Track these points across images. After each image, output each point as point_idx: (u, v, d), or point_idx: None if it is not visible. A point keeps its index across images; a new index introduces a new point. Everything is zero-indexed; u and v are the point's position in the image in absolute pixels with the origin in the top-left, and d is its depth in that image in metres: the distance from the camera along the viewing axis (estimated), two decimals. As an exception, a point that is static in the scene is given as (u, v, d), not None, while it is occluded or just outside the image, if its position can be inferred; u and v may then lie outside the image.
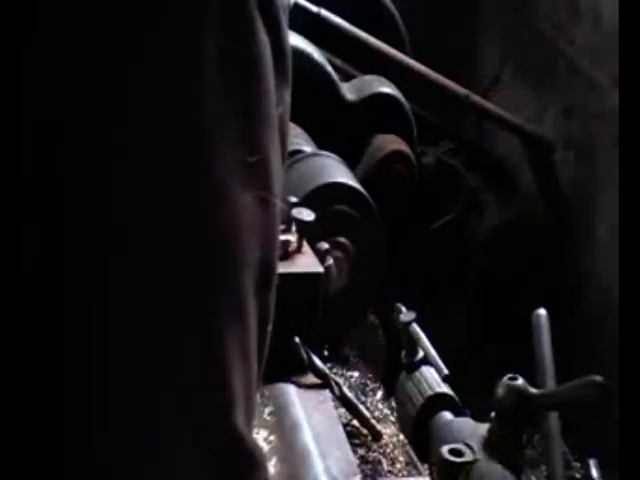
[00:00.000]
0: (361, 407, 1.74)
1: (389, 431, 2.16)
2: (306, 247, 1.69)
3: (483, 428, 1.44)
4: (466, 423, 1.52)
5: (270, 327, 0.61)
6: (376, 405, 2.35)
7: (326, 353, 1.72)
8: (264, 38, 0.57)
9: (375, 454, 2.11)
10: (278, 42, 0.59)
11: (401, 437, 2.09)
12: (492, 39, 3.54)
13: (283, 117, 0.61)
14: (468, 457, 1.37)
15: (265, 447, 1.47)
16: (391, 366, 2.19)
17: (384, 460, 2.11)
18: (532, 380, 1.50)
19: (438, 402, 1.59)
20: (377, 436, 1.86)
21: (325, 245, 1.78)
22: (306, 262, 1.66)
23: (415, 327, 1.68)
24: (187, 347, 0.53)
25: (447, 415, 1.57)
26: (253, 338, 0.58)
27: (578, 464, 2.48)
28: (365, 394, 2.40)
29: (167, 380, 0.53)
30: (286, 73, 0.61)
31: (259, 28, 0.56)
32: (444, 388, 1.61)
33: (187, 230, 0.53)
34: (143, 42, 0.51)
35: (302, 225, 1.69)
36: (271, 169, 0.58)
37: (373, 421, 1.79)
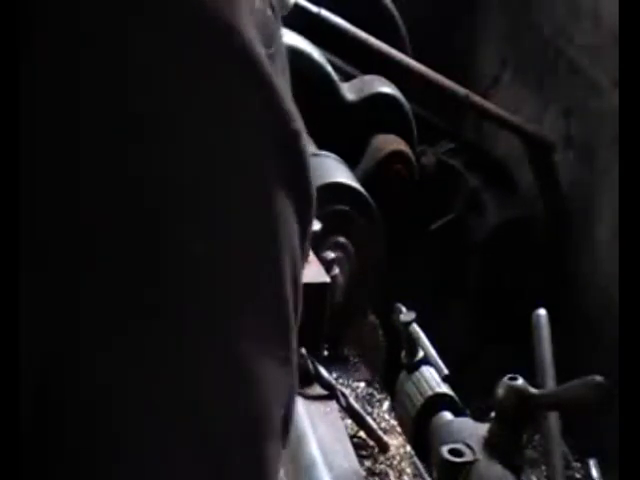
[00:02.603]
0: (368, 418, 1.74)
1: (396, 442, 2.15)
2: (312, 257, 1.69)
3: (483, 428, 1.44)
4: (466, 423, 1.52)
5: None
6: (383, 416, 2.35)
7: (326, 353, 1.72)
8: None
9: (382, 466, 2.11)
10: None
11: (408, 449, 2.09)
12: (492, 39, 3.54)
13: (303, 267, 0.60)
14: (468, 457, 1.37)
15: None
16: (391, 366, 2.19)
17: (391, 472, 2.11)
18: (532, 380, 1.50)
19: (438, 402, 1.59)
20: (384, 448, 1.86)
21: (331, 254, 1.78)
22: (312, 272, 1.66)
23: (415, 327, 1.68)
24: None
25: (447, 415, 1.57)
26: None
27: (578, 464, 2.48)
28: (371, 405, 2.40)
29: None
30: (309, 214, 0.60)
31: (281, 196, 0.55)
32: (444, 388, 1.61)
33: (219, 411, 0.52)
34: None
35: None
36: (290, 324, 0.58)
37: (380, 432, 1.79)
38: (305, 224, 0.58)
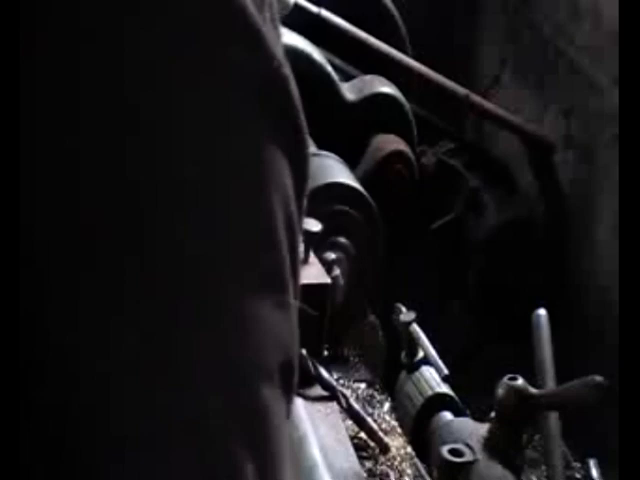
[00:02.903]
0: (368, 419, 1.74)
1: (397, 443, 2.16)
2: (312, 258, 1.69)
3: (483, 428, 1.44)
4: (466, 423, 1.52)
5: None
6: (383, 417, 2.35)
7: (326, 353, 1.71)
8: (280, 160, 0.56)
9: (383, 467, 2.11)
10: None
11: (409, 449, 2.09)
12: (492, 39, 3.54)
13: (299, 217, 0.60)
14: (468, 457, 1.37)
15: None
16: (391, 366, 2.19)
17: (392, 473, 2.11)
18: (532, 380, 1.50)
19: (438, 402, 1.59)
20: (385, 449, 1.85)
21: (332, 255, 1.78)
22: (313, 273, 1.66)
23: (415, 327, 1.68)
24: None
25: (447, 415, 1.57)
26: (281, 435, 0.57)
27: (578, 464, 2.48)
28: (372, 406, 2.40)
29: None
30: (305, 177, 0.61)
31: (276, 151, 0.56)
32: (444, 388, 1.61)
33: (202, 349, 0.52)
34: None
35: (309, 236, 1.69)
36: (284, 267, 0.58)
37: (381, 433, 1.78)
38: (300, 168, 0.58)
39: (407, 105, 2.97)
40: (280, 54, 0.56)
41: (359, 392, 2.46)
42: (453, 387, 1.63)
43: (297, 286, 0.60)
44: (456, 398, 1.61)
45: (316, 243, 1.74)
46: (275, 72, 0.56)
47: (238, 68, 0.53)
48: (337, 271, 1.82)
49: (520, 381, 1.40)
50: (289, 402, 0.57)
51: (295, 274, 0.59)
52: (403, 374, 1.67)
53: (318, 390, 1.64)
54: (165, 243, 0.51)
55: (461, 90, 3.14)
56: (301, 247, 0.59)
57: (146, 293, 0.50)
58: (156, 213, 0.50)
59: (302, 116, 0.58)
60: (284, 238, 0.56)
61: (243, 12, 0.53)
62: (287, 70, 0.56)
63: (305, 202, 0.60)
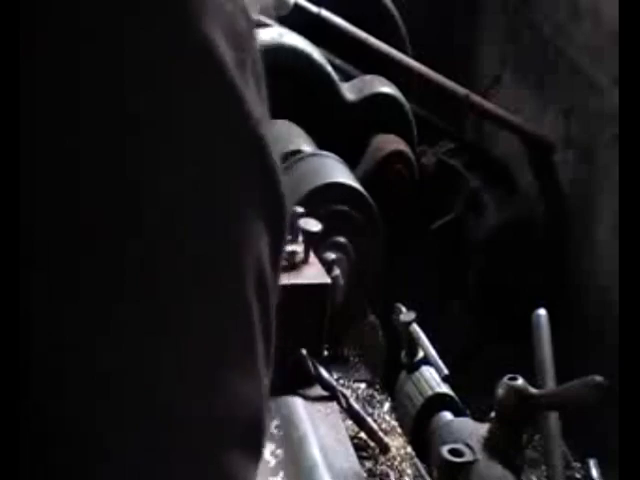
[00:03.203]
0: (368, 419, 1.74)
1: (397, 443, 2.16)
2: (312, 258, 1.69)
3: (483, 428, 1.44)
4: (466, 423, 1.52)
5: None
6: (383, 417, 2.35)
7: (326, 353, 1.71)
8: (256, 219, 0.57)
9: (383, 467, 2.11)
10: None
11: (409, 449, 2.09)
12: (492, 39, 3.54)
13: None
14: (468, 457, 1.37)
15: (272, 461, 1.47)
16: (391, 366, 2.19)
17: (392, 473, 2.11)
18: (532, 380, 1.50)
19: (438, 402, 1.59)
20: (385, 449, 1.85)
21: (332, 255, 1.78)
22: (313, 273, 1.65)
23: (415, 327, 1.68)
24: None
25: (447, 415, 1.57)
26: None
27: (578, 464, 2.48)
28: (372, 406, 2.40)
29: None
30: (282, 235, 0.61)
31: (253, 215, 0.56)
32: (444, 388, 1.61)
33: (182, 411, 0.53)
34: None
35: (309, 236, 1.69)
36: (253, 332, 0.57)
37: (380, 433, 1.78)
38: (277, 232, 0.59)
39: (407, 105, 2.97)
40: (258, 113, 0.56)
41: (359, 392, 2.46)
42: (453, 387, 1.63)
43: (271, 347, 0.60)
44: (456, 398, 1.61)
45: (316, 243, 1.74)
46: (252, 131, 0.56)
47: (221, 128, 0.54)
48: (337, 271, 1.81)
49: (520, 381, 1.40)
50: (257, 460, 0.58)
51: (268, 334, 0.59)
52: (403, 374, 1.67)
53: (318, 390, 1.64)
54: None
55: (461, 90, 3.14)
56: (274, 302, 0.60)
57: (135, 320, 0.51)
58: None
59: (279, 174, 0.58)
60: (254, 300, 0.56)
61: (220, 68, 0.53)
62: (263, 129, 0.57)
63: (281, 259, 0.61)
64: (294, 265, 1.64)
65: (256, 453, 0.57)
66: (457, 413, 1.57)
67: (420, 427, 1.58)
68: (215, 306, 0.54)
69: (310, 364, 1.62)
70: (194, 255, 0.52)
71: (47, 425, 0.50)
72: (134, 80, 0.50)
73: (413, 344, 1.66)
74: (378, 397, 2.46)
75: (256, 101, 0.57)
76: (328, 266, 1.71)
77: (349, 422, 1.78)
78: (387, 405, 2.40)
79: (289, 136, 2.65)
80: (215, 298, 0.54)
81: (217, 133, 0.54)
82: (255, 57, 0.59)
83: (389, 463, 2.13)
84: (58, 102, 0.49)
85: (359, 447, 1.93)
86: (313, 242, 1.70)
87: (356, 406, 1.71)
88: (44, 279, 0.49)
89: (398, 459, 2.14)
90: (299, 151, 2.59)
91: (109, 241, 0.50)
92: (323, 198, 2.45)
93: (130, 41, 0.50)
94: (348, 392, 2.23)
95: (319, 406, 1.62)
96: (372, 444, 1.92)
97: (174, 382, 0.52)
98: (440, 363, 1.64)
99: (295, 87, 2.69)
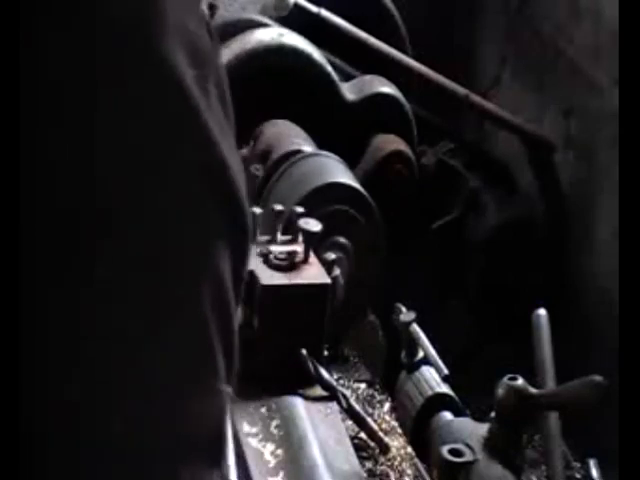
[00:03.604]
0: (369, 420, 1.74)
1: (397, 444, 2.16)
2: (313, 258, 1.69)
3: (483, 428, 1.44)
4: (466, 423, 1.52)
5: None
6: (383, 417, 2.35)
7: (326, 353, 1.71)
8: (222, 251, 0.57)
9: (383, 467, 2.12)
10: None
11: (409, 450, 2.09)
12: (492, 39, 3.54)
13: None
14: (468, 457, 1.37)
15: (272, 461, 1.47)
16: (391, 366, 2.19)
17: (392, 473, 2.12)
18: (532, 380, 1.50)
19: (438, 402, 1.59)
20: (385, 449, 1.85)
21: (332, 256, 1.78)
22: (313, 273, 1.65)
23: (415, 327, 1.68)
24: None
25: (447, 415, 1.57)
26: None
27: (578, 464, 2.48)
28: (372, 406, 2.41)
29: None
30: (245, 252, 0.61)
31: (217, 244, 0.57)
32: (444, 388, 1.61)
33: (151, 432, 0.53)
34: None
35: (309, 236, 1.69)
36: (213, 350, 0.57)
37: (381, 434, 1.78)
38: (239, 249, 0.59)
39: (407, 105, 2.97)
40: (218, 136, 0.56)
41: (359, 392, 2.46)
42: (453, 387, 1.63)
43: (233, 359, 0.60)
44: (456, 398, 1.61)
45: (316, 243, 1.74)
46: (211, 155, 0.56)
47: (179, 152, 0.54)
48: (337, 271, 1.81)
49: (520, 381, 1.40)
50: (219, 464, 0.58)
51: (230, 349, 0.59)
52: (403, 374, 1.67)
53: (318, 390, 1.64)
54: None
55: (461, 90, 3.14)
56: (236, 327, 0.60)
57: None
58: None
59: (239, 195, 0.59)
60: (212, 317, 0.56)
61: (180, 90, 0.54)
62: (224, 151, 0.57)
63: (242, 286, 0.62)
64: (294, 265, 1.64)
65: (218, 460, 0.58)
66: (457, 413, 1.57)
67: (420, 427, 1.58)
68: (172, 324, 0.55)
69: (310, 364, 1.62)
70: (148, 276, 0.53)
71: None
72: (94, 99, 0.51)
73: (413, 344, 1.66)
74: (378, 397, 2.46)
75: (218, 121, 0.57)
76: (328, 266, 1.71)
77: (349, 422, 1.78)
78: (387, 405, 2.40)
79: (289, 136, 2.65)
80: (172, 316, 0.55)
81: (173, 155, 0.54)
82: (219, 74, 0.59)
83: (389, 463, 2.13)
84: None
85: (359, 447, 1.93)
86: (313, 242, 1.70)
87: (356, 406, 1.71)
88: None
89: (398, 459, 2.14)
90: (299, 151, 2.59)
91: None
92: (323, 198, 2.45)
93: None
94: (348, 392, 2.23)
95: (319, 406, 1.62)
96: (372, 444, 1.92)
97: (136, 402, 0.53)
98: (440, 363, 1.64)
99: (295, 87, 2.69)
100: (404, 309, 1.70)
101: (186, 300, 0.55)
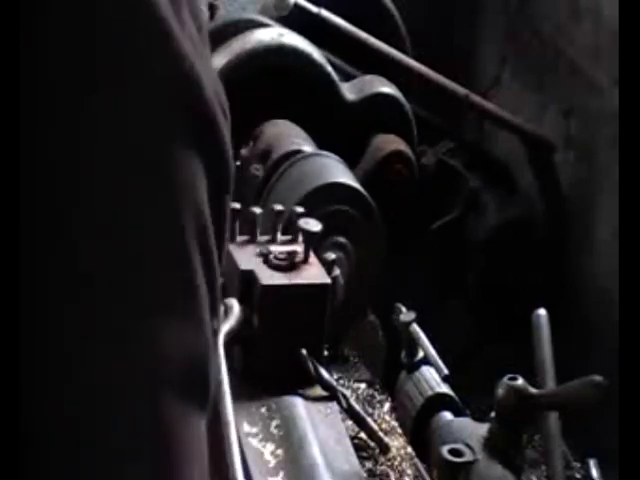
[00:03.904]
0: (369, 420, 1.74)
1: (397, 444, 2.16)
2: (313, 258, 1.69)
3: (483, 428, 1.44)
4: (466, 423, 1.52)
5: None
6: (383, 417, 2.35)
7: (326, 353, 1.71)
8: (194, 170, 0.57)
9: (383, 467, 2.12)
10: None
11: (409, 450, 2.09)
12: (492, 39, 3.54)
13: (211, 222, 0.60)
14: (468, 457, 1.37)
15: (272, 461, 1.47)
16: (391, 366, 2.19)
17: (392, 473, 2.12)
18: (532, 380, 1.50)
19: (438, 402, 1.59)
20: (385, 449, 1.85)
21: (332, 255, 1.78)
22: (313, 273, 1.65)
23: (415, 327, 1.68)
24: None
25: (447, 415, 1.57)
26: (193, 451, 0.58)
27: (578, 464, 2.48)
28: (372, 406, 2.41)
29: None
30: (226, 179, 0.60)
31: (184, 153, 0.56)
32: (444, 388, 1.61)
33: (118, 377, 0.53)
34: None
35: (309, 236, 1.69)
36: (196, 285, 0.57)
37: (381, 434, 1.78)
38: (217, 166, 0.58)
39: (407, 105, 2.97)
40: (192, 53, 0.56)
41: (359, 392, 2.46)
42: (453, 387, 1.63)
43: (216, 295, 0.60)
44: (456, 398, 1.61)
45: (316, 243, 1.74)
46: (184, 73, 0.56)
47: (146, 68, 0.54)
48: (337, 271, 1.81)
49: (520, 381, 1.40)
50: (201, 411, 0.57)
51: (212, 284, 0.59)
52: (403, 374, 1.67)
53: (318, 390, 1.64)
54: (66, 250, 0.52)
55: (461, 90, 3.14)
56: (215, 259, 0.60)
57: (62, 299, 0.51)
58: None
59: (215, 112, 0.58)
60: (196, 252, 0.56)
61: (153, 10, 0.53)
62: (197, 71, 0.56)
63: (229, 200, 0.60)
64: (294, 265, 1.64)
65: (199, 401, 0.57)
66: (457, 413, 1.57)
67: (420, 427, 1.58)
68: (151, 251, 0.54)
69: (310, 364, 1.62)
70: (128, 205, 0.53)
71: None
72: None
73: (413, 344, 1.66)
74: (378, 397, 2.46)
75: (192, 39, 0.56)
76: (328, 266, 1.71)
77: (349, 422, 1.78)
78: (387, 405, 2.40)
79: (289, 136, 2.65)
80: (153, 244, 0.54)
81: (144, 72, 0.53)
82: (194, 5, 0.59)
83: (389, 463, 2.13)
84: None
85: (359, 447, 1.93)
86: (313, 242, 1.70)
87: (356, 406, 1.71)
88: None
89: (398, 459, 2.14)
90: (299, 151, 2.59)
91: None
92: (323, 198, 2.45)
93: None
94: (348, 392, 2.23)
95: (319, 406, 1.62)
96: (372, 444, 1.92)
97: (109, 323, 0.53)
98: (440, 363, 1.64)
99: (295, 87, 2.69)
100: (404, 309, 1.70)
101: (169, 228, 0.55)
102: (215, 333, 0.59)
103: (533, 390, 1.41)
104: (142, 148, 0.53)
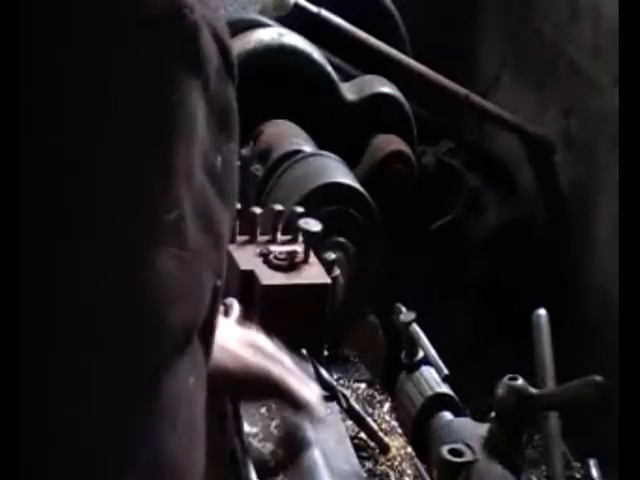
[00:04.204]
0: (368, 420, 1.74)
1: (397, 444, 2.15)
2: (313, 258, 1.69)
3: (483, 428, 1.44)
4: (466, 423, 1.52)
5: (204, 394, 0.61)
6: (383, 417, 2.35)
7: (326, 353, 1.71)
8: (190, 94, 0.57)
9: (383, 467, 2.11)
10: (215, 96, 0.59)
11: (409, 450, 2.09)
12: (492, 39, 3.54)
13: (225, 166, 0.60)
14: (468, 457, 1.37)
15: (272, 461, 1.47)
16: (391, 366, 2.19)
17: (392, 473, 2.11)
18: (532, 380, 1.50)
19: (438, 402, 1.59)
20: (385, 449, 1.85)
21: (332, 255, 1.78)
22: (313, 273, 1.65)
23: (415, 327, 1.68)
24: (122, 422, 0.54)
25: (447, 415, 1.57)
26: (180, 397, 0.57)
27: (578, 464, 2.48)
28: (372, 406, 2.40)
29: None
30: (228, 124, 0.61)
31: (183, 85, 0.56)
32: (444, 388, 1.61)
33: (98, 295, 0.53)
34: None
35: (309, 236, 1.69)
36: (186, 226, 0.58)
37: (381, 434, 1.78)
38: (211, 92, 0.59)
39: (407, 105, 2.97)
40: None
41: (359, 392, 2.46)
42: (453, 387, 1.63)
43: (220, 235, 0.61)
44: (456, 398, 1.61)
45: (316, 243, 1.74)
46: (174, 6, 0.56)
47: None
48: (337, 271, 1.81)
49: (520, 381, 1.40)
50: (193, 353, 0.58)
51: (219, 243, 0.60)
52: (403, 374, 1.67)
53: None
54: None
55: (461, 90, 3.14)
56: (234, 190, 0.61)
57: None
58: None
59: (204, 46, 0.58)
60: (186, 192, 0.57)
61: None
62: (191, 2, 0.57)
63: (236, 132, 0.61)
64: (294, 265, 1.64)
65: (205, 346, 0.60)
66: (457, 413, 1.57)
67: (420, 427, 1.58)
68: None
69: (310, 364, 1.62)
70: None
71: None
72: None
73: (413, 344, 1.66)
74: (378, 397, 2.46)
75: None
76: (328, 266, 1.71)
77: (349, 422, 1.78)
78: (387, 405, 2.40)
79: (289, 136, 2.65)
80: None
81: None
82: None
83: (389, 463, 2.12)
84: None
85: (359, 447, 1.93)
86: (313, 242, 1.70)
87: (356, 406, 1.71)
88: None
89: (398, 459, 2.14)
90: (299, 151, 2.59)
91: None
92: (323, 198, 2.45)
93: None
94: (348, 392, 2.23)
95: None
96: (372, 444, 1.92)
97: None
98: (440, 363, 1.64)
99: (295, 87, 2.69)
100: (404, 309, 1.70)
101: (164, 172, 0.56)
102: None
103: (533, 390, 1.41)
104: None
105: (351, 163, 2.71)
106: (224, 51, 0.60)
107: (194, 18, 0.57)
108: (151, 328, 0.55)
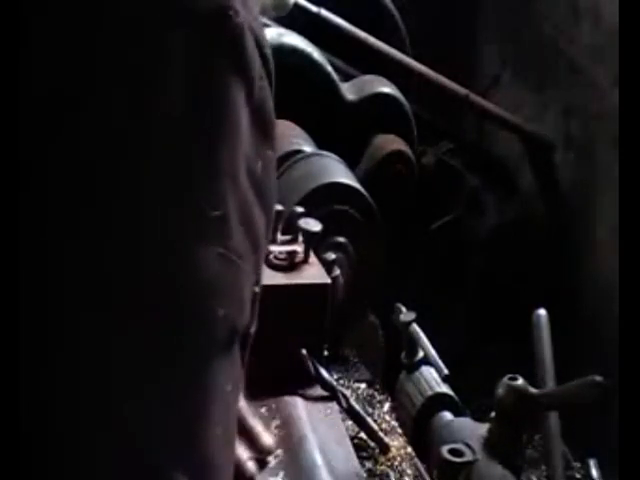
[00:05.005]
0: (368, 419, 1.74)
1: (397, 443, 2.15)
2: (313, 258, 1.69)
3: (483, 428, 1.44)
4: (466, 423, 1.52)
5: (241, 386, 0.61)
6: (383, 417, 2.34)
7: (326, 353, 1.72)
8: (237, 97, 0.56)
9: (383, 467, 2.11)
10: (258, 102, 0.59)
11: (409, 450, 2.09)
12: (492, 39, 3.54)
13: (265, 172, 0.60)
14: (468, 457, 1.37)
15: (272, 461, 1.47)
16: (391, 366, 2.19)
17: (392, 473, 2.11)
18: (532, 380, 1.50)
19: (438, 402, 1.59)
20: (385, 449, 1.85)
21: (332, 255, 1.78)
22: (313, 273, 1.65)
23: (415, 327, 1.68)
24: (155, 411, 0.54)
25: (447, 415, 1.57)
26: (219, 397, 0.57)
27: (578, 464, 2.48)
28: (372, 406, 2.40)
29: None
30: (268, 131, 0.61)
31: (230, 87, 0.56)
32: (444, 388, 1.61)
33: (145, 289, 0.53)
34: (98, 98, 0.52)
35: (309, 236, 1.69)
36: (230, 226, 0.58)
37: (381, 434, 1.78)
38: (255, 93, 0.59)
39: (407, 105, 2.97)
40: None
41: (359, 392, 2.46)
42: (453, 387, 1.63)
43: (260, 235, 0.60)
44: (456, 398, 1.61)
45: (316, 243, 1.74)
46: (219, 8, 0.56)
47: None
48: (337, 271, 1.81)
49: (520, 381, 1.40)
50: (234, 358, 0.59)
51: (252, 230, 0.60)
52: (403, 374, 1.67)
53: (318, 390, 1.64)
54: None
55: (461, 90, 3.14)
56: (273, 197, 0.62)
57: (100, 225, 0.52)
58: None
59: (248, 48, 0.59)
60: (231, 193, 0.57)
61: None
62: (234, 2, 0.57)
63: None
64: (294, 265, 1.64)
65: (241, 348, 0.60)
66: (457, 413, 1.57)
67: (420, 427, 1.58)
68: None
69: (310, 364, 1.62)
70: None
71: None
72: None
73: (413, 344, 1.66)
74: (378, 397, 2.45)
75: None
76: (328, 266, 1.71)
77: (349, 422, 1.78)
78: (387, 405, 2.40)
79: (289, 136, 2.64)
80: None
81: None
82: None
83: (389, 463, 2.12)
84: None
85: (359, 447, 1.93)
86: (313, 242, 1.70)
87: (356, 406, 1.71)
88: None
89: (398, 459, 2.14)
90: (299, 151, 2.59)
91: None
92: (323, 198, 2.45)
93: None
94: (348, 392, 2.22)
95: (319, 406, 1.62)
96: (372, 444, 1.92)
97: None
98: (440, 363, 1.64)
99: (295, 87, 2.69)
100: (404, 309, 1.70)
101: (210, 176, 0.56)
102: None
103: (533, 390, 1.41)
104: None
105: (351, 163, 2.71)
106: (265, 59, 0.60)
107: (239, 21, 0.57)
108: (199, 320, 0.55)
